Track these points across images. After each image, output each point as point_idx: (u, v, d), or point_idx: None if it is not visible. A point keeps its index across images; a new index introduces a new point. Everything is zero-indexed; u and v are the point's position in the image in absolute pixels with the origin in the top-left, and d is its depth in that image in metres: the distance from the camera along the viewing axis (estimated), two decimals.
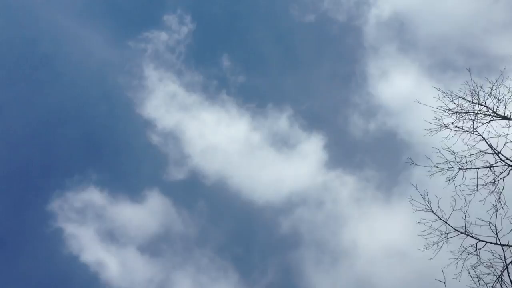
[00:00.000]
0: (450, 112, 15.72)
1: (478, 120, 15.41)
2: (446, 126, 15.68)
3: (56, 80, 29.99)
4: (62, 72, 30.10)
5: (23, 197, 27.02)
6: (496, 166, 14.90)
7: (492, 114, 15.40)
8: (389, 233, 25.63)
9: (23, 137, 28.32)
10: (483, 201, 14.65)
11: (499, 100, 15.22)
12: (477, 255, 14.18)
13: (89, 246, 26.03)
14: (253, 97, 29.94)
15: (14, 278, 25.35)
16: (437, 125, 15.79)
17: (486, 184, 14.81)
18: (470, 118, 15.49)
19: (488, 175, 14.87)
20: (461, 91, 15.61)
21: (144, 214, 27.01)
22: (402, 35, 30.99)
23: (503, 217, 14.06)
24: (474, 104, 15.58)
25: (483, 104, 15.45)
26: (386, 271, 24.84)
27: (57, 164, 28.10)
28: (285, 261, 26.09)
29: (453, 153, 15.17)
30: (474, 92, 15.59)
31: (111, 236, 26.46)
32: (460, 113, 15.67)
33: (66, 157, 28.29)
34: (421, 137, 27.58)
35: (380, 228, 25.90)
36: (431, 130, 15.96)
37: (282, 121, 29.10)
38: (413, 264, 24.70)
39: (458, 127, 15.49)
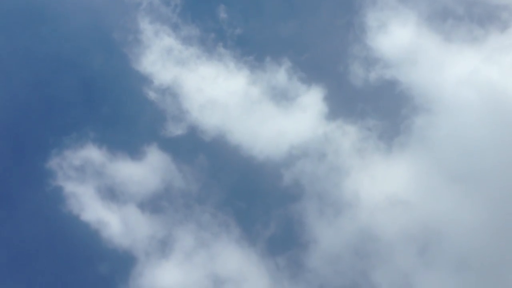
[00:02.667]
0: None
1: None
2: None
3: (51, 36, 29.57)
4: (57, 27, 29.66)
5: (21, 156, 26.86)
6: None
7: None
8: (391, 183, 25.65)
9: (17, 94, 28.01)
10: None
11: None
12: None
13: (89, 205, 26.00)
14: (251, 50, 29.39)
15: (14, 237, 25.33)
16: None
17: None
18: None
19: None
20: None
21: (144, 171, 26.89)
22: None
23: None
24: None
25: None
26: (389, 221, 24.94)
27: (54, 122, 27.80)
28: (287, 214, 26.08)
29: None
30: None
31: (111, 193, 26.42)
32: None
33: (63, 115, 27.96)
34: (421, 88, 27.69)
35: (382, 178, 25.89)
36: None
37: (280, 74, 28.78)
38: (416, 213, 24.86)
39: None
